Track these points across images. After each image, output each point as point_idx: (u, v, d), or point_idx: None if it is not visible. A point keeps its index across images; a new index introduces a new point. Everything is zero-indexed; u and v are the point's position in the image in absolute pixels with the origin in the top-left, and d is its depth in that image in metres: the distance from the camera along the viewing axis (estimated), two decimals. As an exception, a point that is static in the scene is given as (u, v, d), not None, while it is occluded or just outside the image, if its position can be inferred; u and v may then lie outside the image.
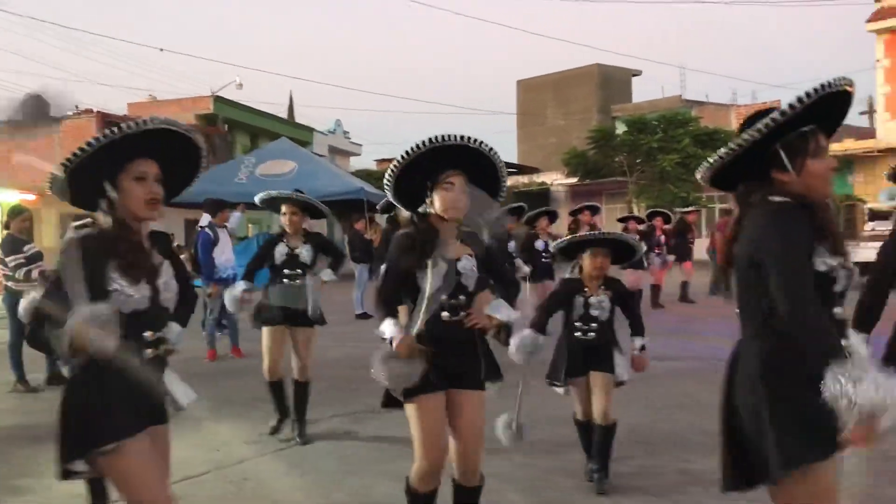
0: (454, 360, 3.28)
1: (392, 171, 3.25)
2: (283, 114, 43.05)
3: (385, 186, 3.33)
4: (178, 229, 26.95)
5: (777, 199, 2.34)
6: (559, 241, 4.91)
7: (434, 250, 3.26)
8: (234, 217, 10.78)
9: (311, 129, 41.29)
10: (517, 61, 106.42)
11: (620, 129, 29.38)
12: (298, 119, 43.78)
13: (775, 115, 2.26)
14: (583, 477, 4.66)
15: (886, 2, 24.14)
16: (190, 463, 5.16)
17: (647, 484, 4.56)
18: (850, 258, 2.34)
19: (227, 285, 8.91)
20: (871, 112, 30.69)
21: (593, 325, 4.56)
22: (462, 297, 3.31)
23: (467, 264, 3.33)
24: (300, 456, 5.30)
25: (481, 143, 3.24)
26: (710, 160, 2.45)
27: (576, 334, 4.58)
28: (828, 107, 2.31)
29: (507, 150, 39.73)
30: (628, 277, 13.14)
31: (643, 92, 45.26)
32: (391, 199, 3.41)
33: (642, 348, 4.65)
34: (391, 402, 3.39)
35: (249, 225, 33.89)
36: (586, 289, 4.57)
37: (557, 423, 5.86)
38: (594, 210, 12.76)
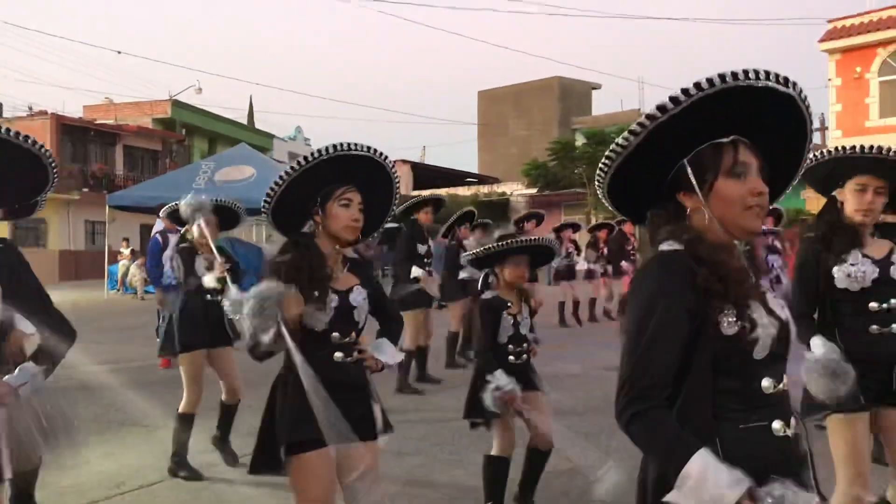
0: (349, 406, 2.76)
1: (279, 183, 2.76)
2: (244, 119, 42.75)
3: (265, 204, 2.81)
4: (134, 234, 26.61)
5: (666, 247, 1.80)
6: (476, 250, 4.28)
7: (323, 280, 2.81)
8: None
9: (271, 136, 41.07)
10: (478, 71, 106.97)
11: (580, 141, 29.67)
12: (258, 125, 43.57)
13: (653, 110, 1.73)
14: (539, 486, 4.62)
15: (838, 23, 24.78)
16: (145, 471, 5.08)
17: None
18: (777, 310, 1.79)
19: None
20: (823, 129, 31.45)
21: (525, 344, 4.17)
22: (354, 335, 2.89)
23: (358, 296, 2.90)
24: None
25: (385, 157, 2.88)
26: (598, 177, 1.92)
27: (509, 358, 4.09)
28: (769, 115, 1.76)
29: (468, 159, 39.88)
30: (562, 288, 13.27)
31: (603, 105, 45.90)
32: (269, 219, 2.87)
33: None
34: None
35: (207, 231, 33.56)
36: (510, 304, 4.14)
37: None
38: (539, 219, 12.71)
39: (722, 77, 1.65)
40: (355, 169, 2.82)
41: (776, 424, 1.74)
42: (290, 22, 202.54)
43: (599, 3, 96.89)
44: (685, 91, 1.67)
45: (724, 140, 1.77)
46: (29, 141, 2.40)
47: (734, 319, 1.70)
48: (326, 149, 2.72)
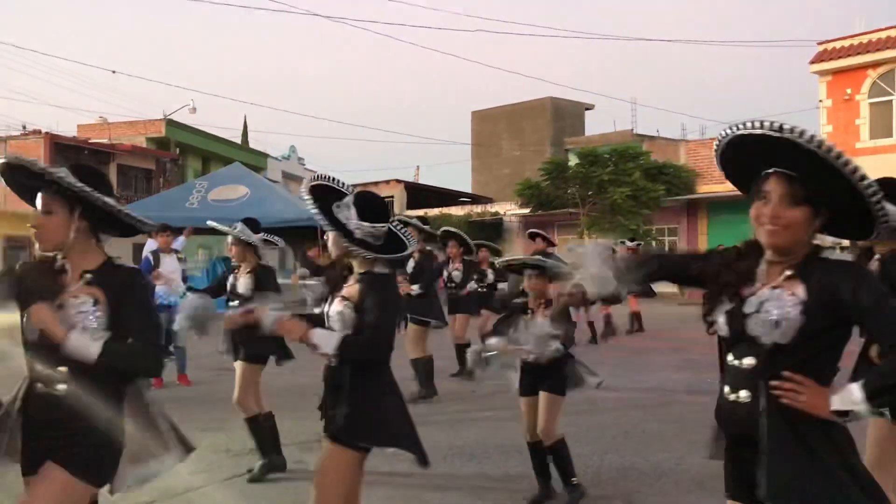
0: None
1: None
2: (237, 139, 42.80)
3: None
4: (127, 253, 26.53)
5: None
6: (504, 259, 5.11)
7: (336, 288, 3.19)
8: (179, 241, 10.62)
9: (265, 155, 41.08)
10: (472, 92, 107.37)
11: (573, 161, 29.76)
12: (252, 144, 43.58)
13: (719, 135, 2.20)
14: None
15: (828, 45, 25.01)
16: (135, 491, 5.04)
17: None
18: (751, 302, 2.17)
19: (167, 311, 8.64)
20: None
21: None
22: None
23: (334, 310, 3.13)
24: (248, 486, 5.22)
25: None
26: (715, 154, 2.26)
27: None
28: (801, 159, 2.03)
29: (462, 180, 39.99)
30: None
31: (595, 125, 46.12)
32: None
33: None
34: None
35: (200, 250, 33.50)
36: (530, 309, 4.67)
37: (507, 452, 5.89)
38: (543, 238, 12.80)
39: (735, 126, 2.10)
40: None
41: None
42: (283, 43, 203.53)
43: (592, 24, 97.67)
44: (728, 129, 2.16)
45: (769, 171, 2.13)
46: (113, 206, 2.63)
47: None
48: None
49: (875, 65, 23.98)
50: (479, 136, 43.55)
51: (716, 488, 4.97)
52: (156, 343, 2.72)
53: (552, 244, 13.18)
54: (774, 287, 2.15)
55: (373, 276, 3.11)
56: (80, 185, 2.51)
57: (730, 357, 2.22)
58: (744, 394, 2.16)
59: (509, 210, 33.29)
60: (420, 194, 38.62)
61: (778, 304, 2.11)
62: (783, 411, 2.09)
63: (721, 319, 2.23)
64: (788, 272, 2.15)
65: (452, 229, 9.96)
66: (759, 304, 2.13)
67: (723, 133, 2.17)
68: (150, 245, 9.58)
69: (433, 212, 31.78)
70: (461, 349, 9.37)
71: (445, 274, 9.82)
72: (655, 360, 10.68)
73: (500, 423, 6.91)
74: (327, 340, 2.97)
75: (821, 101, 25.18)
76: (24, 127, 31.24)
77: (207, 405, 7.82)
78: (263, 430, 5.48)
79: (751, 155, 2.15)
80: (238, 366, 5.48)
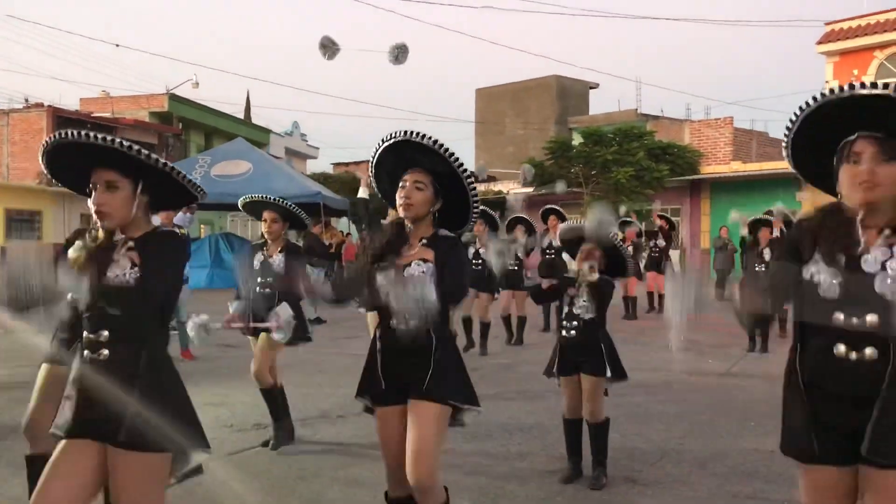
0: (404, 370, 3.13)
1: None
2: (240, 114, 42.66)
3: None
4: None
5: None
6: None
7: (387, 253, 3.15)
8: (180, 217, 10.60)
9: (267, 131, 40.98)
10: (477, 69, 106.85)
11: (577, 140, 29.66)
12: (255, 120, 43.45)
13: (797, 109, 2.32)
14: (534, 485, 4.70)
15: (835, 25, 24.83)
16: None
17: (595, 493, 4.61)
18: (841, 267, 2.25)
19: None
20: (819, 131, 31.48)
21: (574, 323, 4.65)
22: None
23: (415, 270, 3.09)
24: (252, 462, 5.25)
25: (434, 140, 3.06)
26: (784, 142, 2.42)
27: (561, 332, 4.72)
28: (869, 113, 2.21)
29: (466, 157, 39.92)
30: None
31: (600, 104, 45.90)
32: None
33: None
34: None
35: (202, 226, 33.50)
36: (577, 285, 4.68)
37: (510, 431, 5.91)
38: (558, 214, 12.84)
39: (821, 94, 2.24)
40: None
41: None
42: (287, 17, 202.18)
43: (598, 2, 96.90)
44: (806, 102, 2.27)
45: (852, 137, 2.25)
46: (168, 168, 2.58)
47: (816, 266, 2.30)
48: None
49: (882, 46, 23.83)
50: (483, 113, 43.35)
51: (717, 469, 5.03)
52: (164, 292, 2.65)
53: (565, 220, 13.17)
54: (890, 245, 2.23)
55: (446, 238, 3.19)
56: (155, 156, 2.51)
57: (839, 316, 2.22)
58: (869, 351, 2.19)
59: (512, 189, 33.25)
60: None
61: None
62: None
63: (827, 279, 2.26)
64: (888, 231, 2.24)
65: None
66: (880, 262, 2.21)
67: (808, 103, 2.27)
68: (155, 220, 9.57)
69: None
70: (485, 327, 9.61)
71: (472, 251, 9.57)
72: (657, 340, 10.70)
73: (503, 402, 6.94)
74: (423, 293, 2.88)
75: (827, 82, 25.04)
76: (27, 100, 31.18)
77: (211, 380, 7.86)
78: (276, 399, 5.59)
79: (826, 126, 2.28)
80: (261, 338, 5.47)
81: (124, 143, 2.46)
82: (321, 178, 30.42)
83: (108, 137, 2.47)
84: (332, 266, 13.24)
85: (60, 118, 28.70)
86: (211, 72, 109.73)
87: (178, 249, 2.69)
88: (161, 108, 33.09)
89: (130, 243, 2.57)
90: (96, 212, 2.55)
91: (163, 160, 2.54)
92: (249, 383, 5.82)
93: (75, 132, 2.47)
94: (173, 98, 33.60)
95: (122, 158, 2.49)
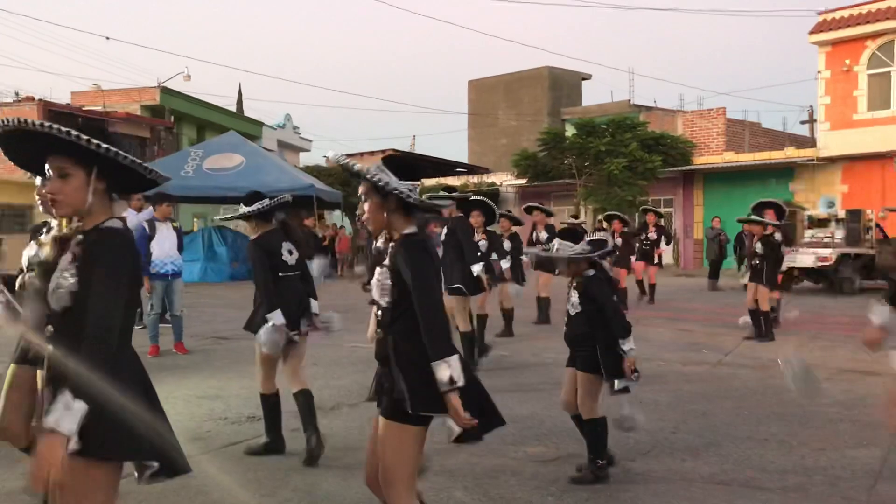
0: (384, 379, 3.08)
1: None
2: (232, 107, 42.53)
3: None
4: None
5: None
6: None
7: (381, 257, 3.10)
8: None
9: (260, 124, 40.86)
10: (469, 61, 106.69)
11: (570, 131, 29.62)
12: (247, 112, 43.34)
13: None
14: (528, 474, 4.72)
15: (828, 15, 24.84)
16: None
17: (587, 483, 4.61)
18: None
19: (164, 280, 9.07)
20: (811, 121, 31.55)
21: (567, 318, 4.79)
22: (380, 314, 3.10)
23: (380, 275, 3.03)
24: (244, 454, 5.24)
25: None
26: None
27: (565, 326, 4.84)
28: None
29: (459, 149, 39.77)
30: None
31: (593, 95, 45.85)
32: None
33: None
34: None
35: (195, 219, 33.42)
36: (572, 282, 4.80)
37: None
38: (542, 210, 12.82)
39: None
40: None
41: None
42: (279, 9, 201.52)
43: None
44: None
45: None
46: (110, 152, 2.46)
47: None
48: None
49: (874, 36, 23.85)
50: (476, 105, 43.29)
51: (710, 458, 5.04)
52: (104, 320, 2.38)
53: (550, 214, 13.15)
54: None
55: (412, 239, 3.03)
56: (96, 141, 2.42)
57: None
58: None
59: (506, 181, 33.22)
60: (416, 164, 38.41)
61: None
62: None
63: None
64: None
65: (479, 198, 9.71)
66: None
67: None
68: (147, 214, 9.56)
69: (429, 182, 31.65)
70: (482, 320, 9.45)
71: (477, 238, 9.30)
72: (650, 329, 10.72)
73: (497, 393, 6.89)
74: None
75: (819, 72, 25.07)
76: (17, 94, 31.01)
77: (204, 373, 7.85)
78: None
79: None
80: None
81: (62, 129, 2.37)
82: (314, 171, 30.39)
83: (46, 123, 2.37)
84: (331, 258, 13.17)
85: (51, 112, 28.56)
86: (203, 64, 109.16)
87: (114, 250, 2.47)
88: (153, 102, 32.96)
89: (80, 237, 2.50)
90: (51, 200, 2.49)
91: (105, 145, 2.42)
92: (244, 376, 5.82)
93: (14, 119, 2.39)
94: (165, 91, 33.45)
95: (71, 146, 2.41)
